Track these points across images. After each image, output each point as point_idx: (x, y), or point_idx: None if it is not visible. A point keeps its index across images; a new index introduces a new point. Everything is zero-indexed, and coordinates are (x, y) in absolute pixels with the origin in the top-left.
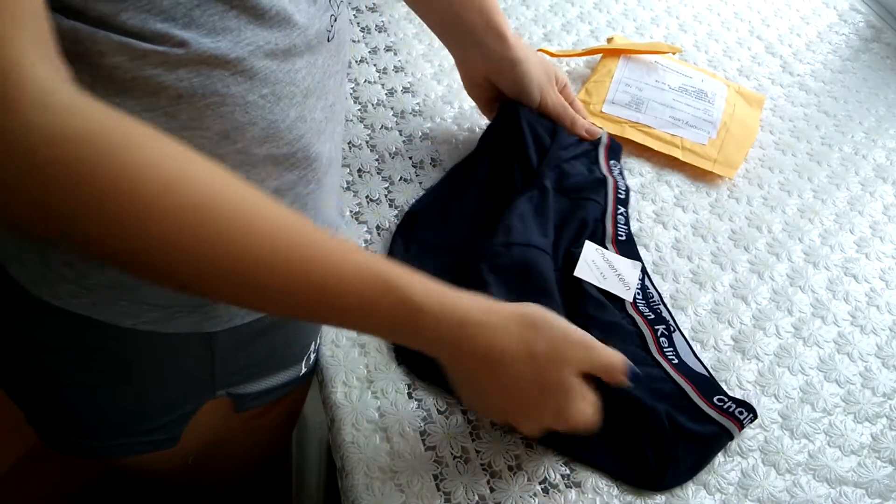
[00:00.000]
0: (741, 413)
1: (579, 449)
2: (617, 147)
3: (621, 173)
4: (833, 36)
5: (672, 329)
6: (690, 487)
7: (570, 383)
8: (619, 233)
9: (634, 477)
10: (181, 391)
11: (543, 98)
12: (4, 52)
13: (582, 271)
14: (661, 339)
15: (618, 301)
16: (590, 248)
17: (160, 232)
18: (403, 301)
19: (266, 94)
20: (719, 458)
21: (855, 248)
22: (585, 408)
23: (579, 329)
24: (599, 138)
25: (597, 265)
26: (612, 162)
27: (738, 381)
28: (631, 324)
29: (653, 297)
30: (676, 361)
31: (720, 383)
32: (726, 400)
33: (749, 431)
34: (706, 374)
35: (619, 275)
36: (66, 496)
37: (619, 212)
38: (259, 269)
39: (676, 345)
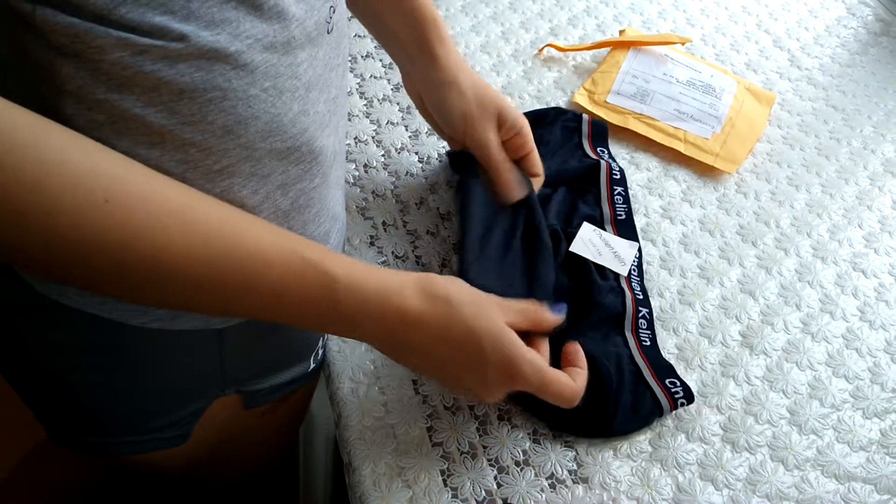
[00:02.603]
0: (678, 395)
1: (524, 397)
2: (601, 131)
3: (611, 157)
4: (841, 30)
5: (652, 315)
6: (698, 484)
7: (506, 329)
8: (618, 212)
9: (570, 426)
10: (191, 389)
11: (469, 131)
12: None
13: (577, 247)
14: (641, 320)
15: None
16: (587, 229)
17: (68, 227)
18: (322, 273)
19: (268, 88)
20: (727, 454)
21: (864, 243)
22: (534, 359)
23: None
24: (579, 126)
25: (593, 243)
26: (599, 149)
27: (746, 376)
28: (619, 295)
29: (642, 280)
30: (648, 344)
31: (728, 378)
32: (677, 383)
33: (757, 427)
34: (668, 363)
35: (614, 252)
36: (73, 493)
37: (615, 192)
38: (174, 258)
39: (652, 329)
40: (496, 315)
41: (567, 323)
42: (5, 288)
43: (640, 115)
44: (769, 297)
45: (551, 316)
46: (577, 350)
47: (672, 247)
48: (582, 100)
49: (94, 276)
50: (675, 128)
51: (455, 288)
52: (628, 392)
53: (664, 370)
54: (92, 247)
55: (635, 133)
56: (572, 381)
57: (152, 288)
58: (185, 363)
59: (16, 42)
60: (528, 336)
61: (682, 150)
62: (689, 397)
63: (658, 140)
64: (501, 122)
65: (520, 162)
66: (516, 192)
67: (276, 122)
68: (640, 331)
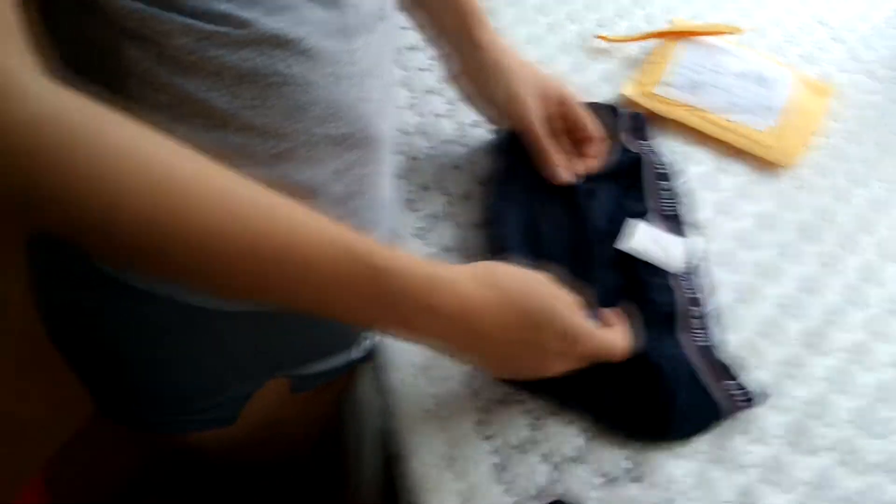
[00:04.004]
0: (738, 397)
1: (572, 395)
2: (640, 124)
3: (654, 150)
4: None
5: (708, 314)
6: (760, 487)
7: (559, 303)
8: (666, 208)
9: (627, 428)
10: (242, 370)
11: (511, 108)
12: None
13: (625, 245)
14: (695, 319)
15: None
16: (634, 225)
17: (133, 212)
18: (368, 266)
19: (327, 74)
20: (790, 457)
21: None
22: (588, 324)
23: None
24: (618, 120)
25: (642, 240)
26: (640, 143)
27: (807, 377)
28: (670, 294)
29: (696, 278)
30: (703, 344)
31: (790, 379)
32: (737, 385)
33: (822, 430)
34: (726, 363)
35: (664, 249)
36: (117, 478)
37: (661, 187)
38: (233, 248)
39: (709, 329)
40: (545, 289)
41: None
42: (63, 260)
43: (692, 106)
44: (832, 297)
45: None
46: (611, 313)
47: (727, 243)
48: (630, 91)
49: (151, 262)
50: (728, 120)
51: (503, 270)
52: (685, 395)
53: (722, 371)
54: (148, 233)
55: (686, 126)
56: (618, 336)
57: (202, 275)
58: (238, 344)
59: (80, 27)
60: None
61: (735, 144)
62: (750, 400)
63: (710, 133)
64: (545, 96)
65: (575, 130)
66: (563, 172)
67: (334, 108)
68: (695, 330)
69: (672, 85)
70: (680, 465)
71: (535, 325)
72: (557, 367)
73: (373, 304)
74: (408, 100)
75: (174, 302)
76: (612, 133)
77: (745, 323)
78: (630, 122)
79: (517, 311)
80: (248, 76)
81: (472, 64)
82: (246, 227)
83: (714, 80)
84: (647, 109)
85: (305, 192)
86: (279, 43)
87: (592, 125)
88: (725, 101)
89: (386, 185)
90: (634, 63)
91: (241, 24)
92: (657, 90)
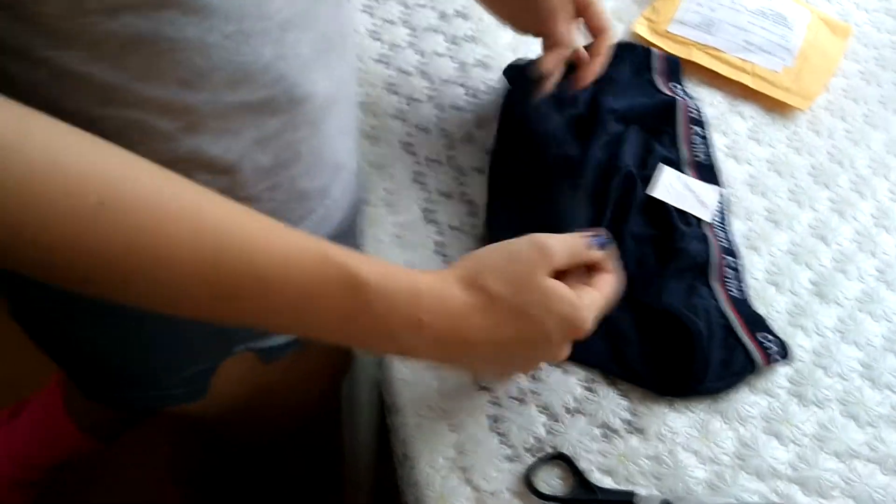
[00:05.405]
0: (772, 349)
1: (604, 357)
2: (674, 67)
3: (687, 94)
4: None
5: (740, 266)
6: (762, 438)
7: (550, 287)
8: (696, 154)
9: (656, 384)
10: (193, 351)
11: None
12: None
13: (656, 191)
14: (728, 269)
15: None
16: (666, 171)
17: (64, 237)
18: (346, 275)
19: (231, 34)
20: (794, 407)
21: None
22: (586, 297)
23: (512, 241)
24: (649, 62)
25: (673, 187)
26: (672, 85)
27: (815, 326)
28: (703, 242)
29: (728, 226)
30: (737, 294)
31: (796, 329)
32: (771, 337)
33: (826, 381)
34: (759, 315)
35: (697, 196)
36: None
37: (693, 132)
38: (181, 265)
39: (741, 279)
40: (537, 276)
41: (648, 273)
42: None
43: (705, 45)
44: (843, 243)
45: (598, 252)
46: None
47: (737, 188)
48: (642, 30)
49: (104, 287)
50: (743, 60)
51: (489, 265)
52: (718, 347)
53: (756, 323)
54: (92, 257)
55: (699, 66)
56: (608, 285)
57: (162, 300)
58: (184, 328)
59: None
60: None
61: (750, 84)
62: (785, 352)
63: (724, 73)
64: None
65: (584, 16)
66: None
67: (244, 72)
68: (728, 280)
69: (686, 23)
70: (681, 416)
71: (533, 322)
72: (564, 350)
73: (355, 320)
74: (406, 38)
75: None
76: (645, 74)
77: (752, 271)
78: (663, 64)
79: (511, 311)
80: (132, 44)
81: None
82: (213, 244)
83: (730, 18)
84: (659, 49)
85: (224, 166)
86: (164, 3)
87: (606, 18)
88: (742, 40)
89: (335, 146)
90: (647, 0)
91: None
92: (671, 28)
